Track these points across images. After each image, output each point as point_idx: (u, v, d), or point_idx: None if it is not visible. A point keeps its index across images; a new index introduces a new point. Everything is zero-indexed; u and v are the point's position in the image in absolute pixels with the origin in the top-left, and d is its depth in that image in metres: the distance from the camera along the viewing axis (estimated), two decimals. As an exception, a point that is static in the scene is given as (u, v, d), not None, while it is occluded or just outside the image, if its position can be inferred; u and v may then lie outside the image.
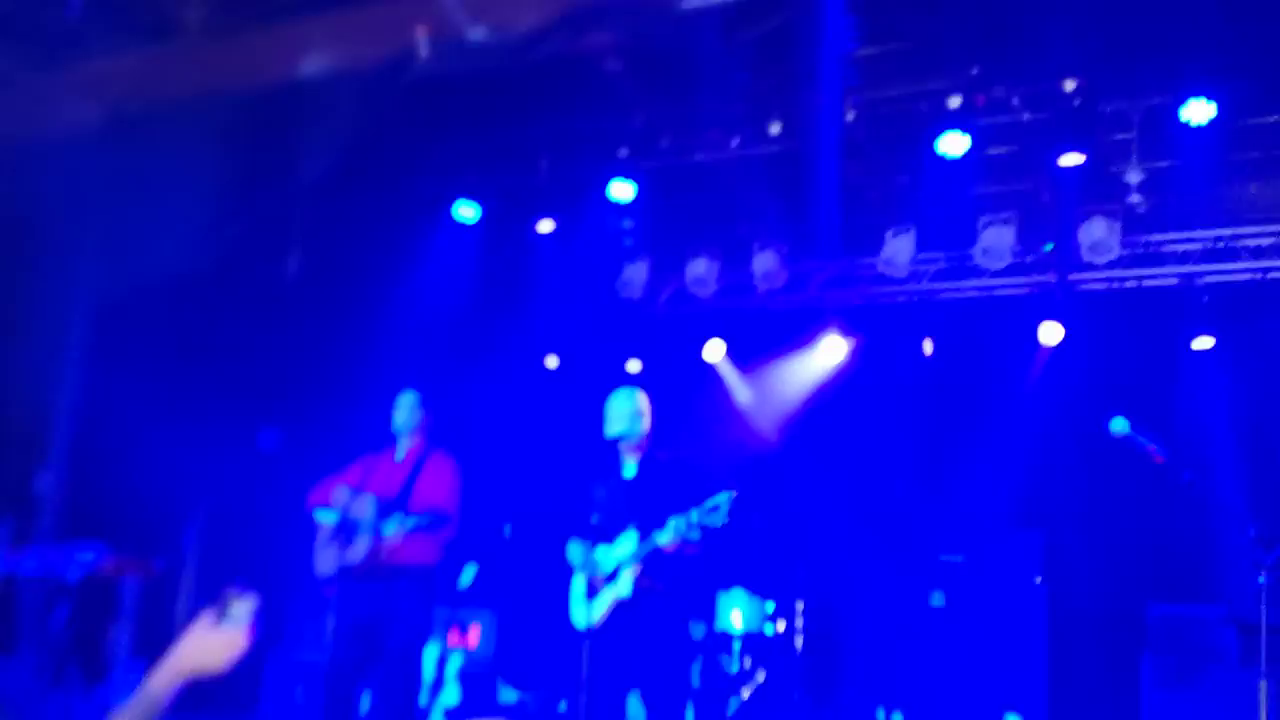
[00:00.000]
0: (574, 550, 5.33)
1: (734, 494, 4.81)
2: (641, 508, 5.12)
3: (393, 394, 6.22)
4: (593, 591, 5.18)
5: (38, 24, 6.75)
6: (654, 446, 5.39)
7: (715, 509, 4.82)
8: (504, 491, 8.98)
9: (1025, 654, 7.30)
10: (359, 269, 8.58)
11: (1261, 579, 4.30)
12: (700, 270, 9.17)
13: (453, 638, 8.13)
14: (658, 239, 9.19)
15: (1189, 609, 5.27)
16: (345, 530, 5.79)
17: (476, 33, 6.73)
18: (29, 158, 7.39)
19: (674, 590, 5.12)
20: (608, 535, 5.18)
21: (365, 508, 5.79)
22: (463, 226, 8.51)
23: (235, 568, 6.29)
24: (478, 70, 7.66)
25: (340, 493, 5.93)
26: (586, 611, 5.15)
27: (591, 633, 5.08)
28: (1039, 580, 7.48)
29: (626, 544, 5.10)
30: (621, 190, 8.10)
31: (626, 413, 5.33)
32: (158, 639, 6.77)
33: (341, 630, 5.83)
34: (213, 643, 2.55)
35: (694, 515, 4.87)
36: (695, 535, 4.90)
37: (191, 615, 6.11)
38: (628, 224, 8.94)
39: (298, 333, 7.83)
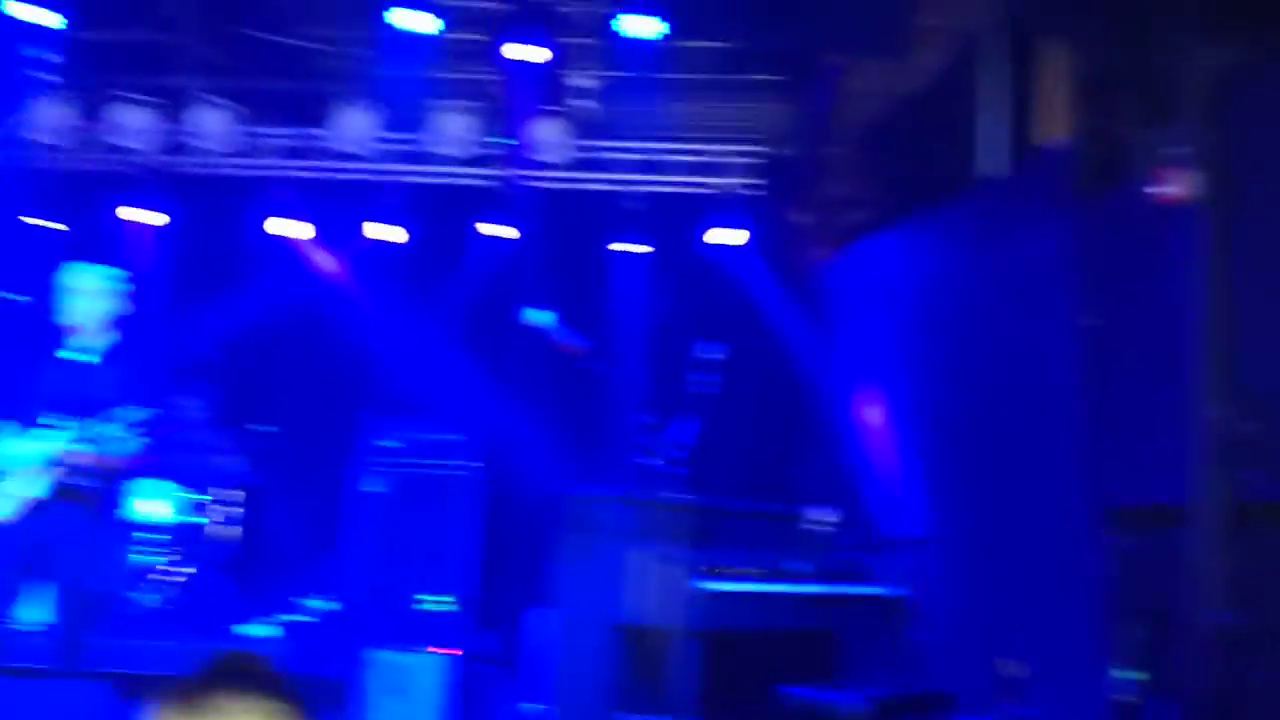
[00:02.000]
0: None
1: (148, 412, 4.41)
2: (86, 400, 4.52)
3: None
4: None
5: None
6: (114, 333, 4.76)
7: (117, 424, 4.38)
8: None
9: (463, 539, 7.50)
10: None
11: (648, 460, 4.67)
12: (131, 119, 8.17)
13: None
14: (80, 77, 8.02)
15: (594, 490, 5.68)
16: None
17: None
18: None
19: (100, 493, 4.58)
20: (36, 422, 4.52)
21: None
22: None
23: None
24: None
25: None
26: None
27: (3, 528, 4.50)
28: (477, 467, 7.64)
29: (55, 439, 4.47)
30: (32, 12, 6.88)
31: (86, 292, 4.70)
32: None
33: None
34: None
35: (100, 427, 4.39)
36: (114, 446, 4.43)
37: None
38: (44, 54, 7.68)
39: None
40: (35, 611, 5.10)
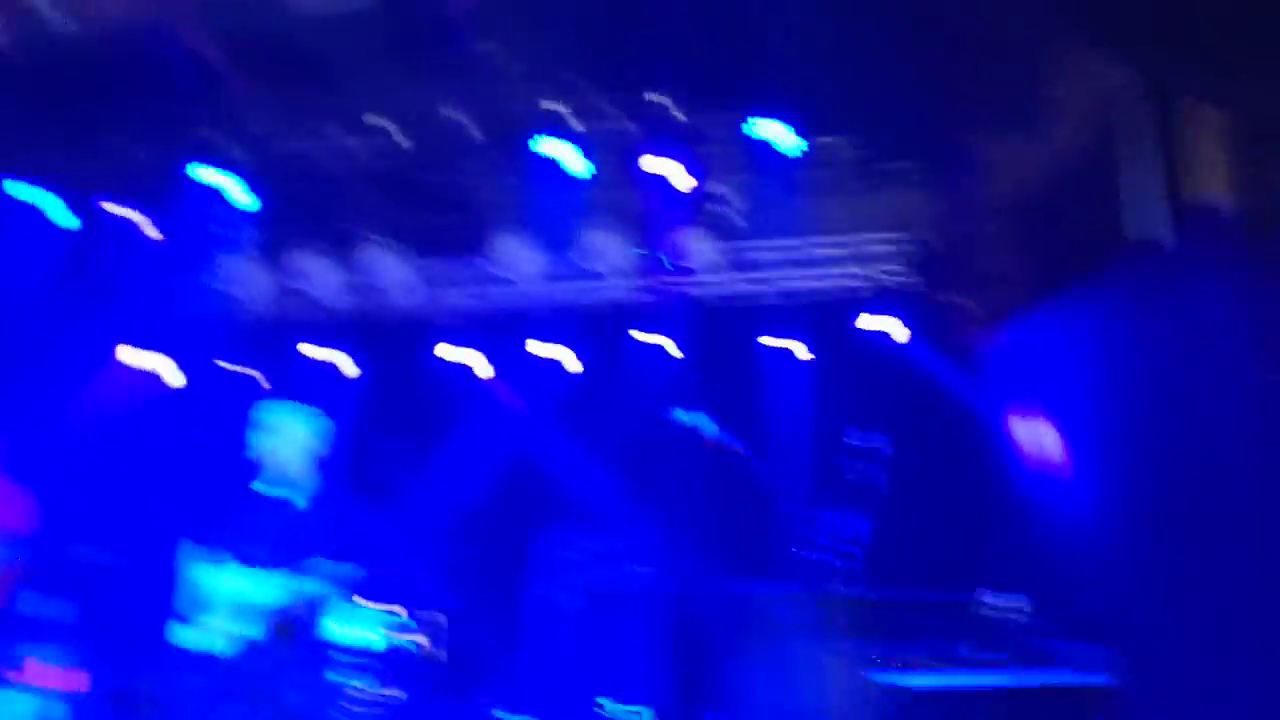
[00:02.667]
0: (199, 566, 4.85)
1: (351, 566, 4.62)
2: (292, 545, 4.77)
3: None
4: (202, 613, 4.77)
5: None
6: (320, 477, 5.01)
7: (329, 575, 4.60)
8: (99, 511, 8.18)
9: (641, 646, 7.54)
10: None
11: (814, 554, 4.64)
12: (314, 268, 8.79)
13: (34, 677, 7.25)
14: (266, 235, 8.71)
15: (759, 587, 5.67)
16: None
17: (58, 20, 6.10)
18: None
19: (307, 628, 4.78)
20: (249, 561, 4.76)
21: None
22: (28, 214, 7.56)
23: None
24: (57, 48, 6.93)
25: None
26: (203, 636, 4.73)
27: (218, 664, 4.71)
28: (648, 573, 7.70)
29: (270, 583, 4.73)
30: (216, 179, 7.53)
31: (283, 431, 4.93)
32: None
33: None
34: None
35: (312, 580, 4.62)
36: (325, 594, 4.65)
37: None
38: (231, 217, 8.38)
39: None
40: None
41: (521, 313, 8.95)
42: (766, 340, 8.45)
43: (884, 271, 8.47)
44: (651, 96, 6.72)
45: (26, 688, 6.88)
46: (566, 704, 7.48)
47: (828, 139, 7.42)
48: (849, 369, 8.23)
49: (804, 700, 5.07)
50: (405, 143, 7.68)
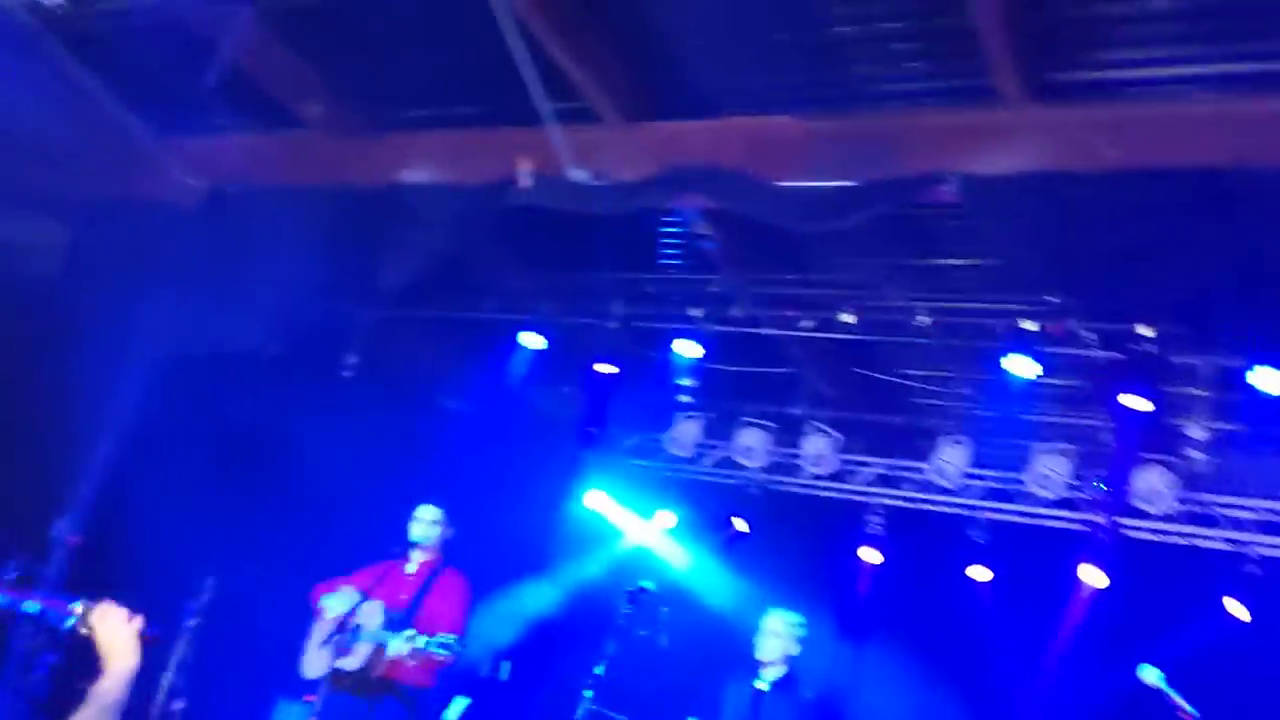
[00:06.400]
0: None
1: None
2: None
3: (414, 504, 6.18)
4: None
5: (171, 90, 7.06)
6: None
7: None
8: (509, 630, 8.84)
9: None
10: (413, 379, 8.71)
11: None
12: (751, 440, 9.14)
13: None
14: (714, 402, 9.22)
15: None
16: (344, 634, 5.66)
17: (578, 174, 6.85)
18: (127, 218, 7.64)
19: None
20: None
21: (372, 615, 5.69)
22: (524, 357, 8.51)
23: (227, 650, 6.17)
24: (571, 210, 7.76)
25: (346, 594, 5.83)
26: None
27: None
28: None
29: None
30: (688, 349, 8.12)
31: (775, 632, 5.79)
32: (136, 701, 6.59)
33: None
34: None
35: None
36: None
37: (175, 687, 5.95)
38: (687, 382, 8.95)
39: (343, 429, 7.82)
40: None
41: (946, 522, 8.73)
42: (1231, 602, 7.57)
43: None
44: (1142, 330, 6.43)
45: None
46: None
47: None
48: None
49: None
50: (864, 335, 7.85)
